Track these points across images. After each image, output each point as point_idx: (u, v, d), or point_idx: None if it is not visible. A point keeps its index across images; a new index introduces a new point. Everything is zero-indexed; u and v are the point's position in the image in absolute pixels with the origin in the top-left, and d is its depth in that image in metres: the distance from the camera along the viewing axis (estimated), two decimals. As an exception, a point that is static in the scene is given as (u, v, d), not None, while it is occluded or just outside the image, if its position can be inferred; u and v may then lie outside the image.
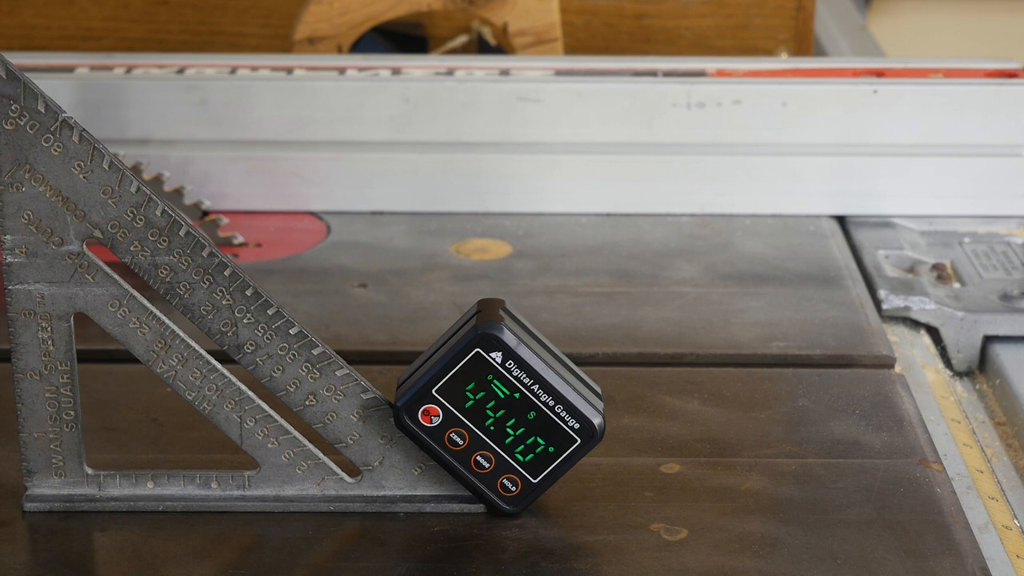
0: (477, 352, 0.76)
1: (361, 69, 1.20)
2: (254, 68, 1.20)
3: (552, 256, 1.12)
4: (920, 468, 0.84)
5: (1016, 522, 0.84)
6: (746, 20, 1.47)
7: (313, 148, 1.19)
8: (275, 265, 1.11)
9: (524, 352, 0.76)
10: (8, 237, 0.75)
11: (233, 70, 1.19)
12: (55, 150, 0.74)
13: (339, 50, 1.34)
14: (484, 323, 0.76)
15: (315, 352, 0.77)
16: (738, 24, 1.47)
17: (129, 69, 1.20)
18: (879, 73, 1.20)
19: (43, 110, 0.73)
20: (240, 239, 1.14)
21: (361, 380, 0.78)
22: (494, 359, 0.76)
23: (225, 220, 1.15)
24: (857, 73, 1.20)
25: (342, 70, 1.20)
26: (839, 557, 0.76)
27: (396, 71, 1.20)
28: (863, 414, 0.90)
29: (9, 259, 0.76)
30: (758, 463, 0.84)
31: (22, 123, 0.73)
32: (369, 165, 1.19)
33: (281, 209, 1.19)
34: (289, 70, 1.20)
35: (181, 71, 1.19)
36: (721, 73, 1.20)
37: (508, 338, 0.76)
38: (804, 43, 1.47)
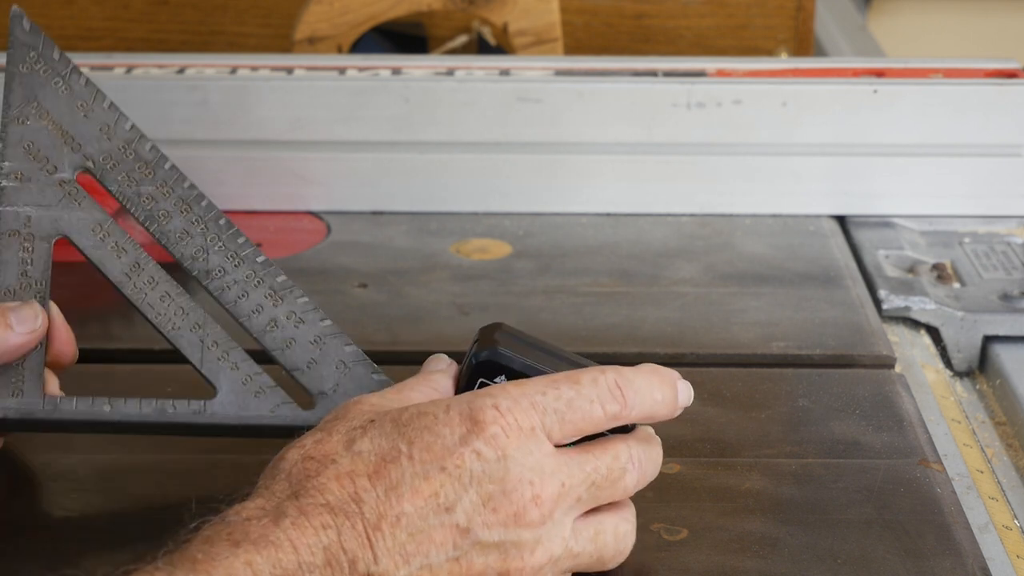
0: (482, 382, 0.74)
1: (361, 69, 1.20)
2: (254, 68, 1.20)
3: (552, 256, 1.12)
4: (920, 468, 0.84)
5: (1016, 522, 0.84)
6: (746, 20, 1.47)
7: (313, 148, 1.19)
8: (275, 265, 1.11)
9: (527, 369, 0.74)
10: (6, 164, 0.80)
11: (233, 70, 1.19)
12: (62, 90, 0.80)
13: (339, 50, 1.34)
14: (480, 351, 0.74)
15: (279, 280, 0.80)
16: (738, 24, 1.47)
17: (129, 69, 1.20)
18: (879, 73, 1.20)
19: (57, 58, 0.80)
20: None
21: (320, 309, 0.80)
22: (499, 383, 0.74)
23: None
24: (857, 73, 1.20)
25: (342, 70, 1.20)
26: (839, 557, 0.76)
27: (396, 71, 1.20)
28: (863, 414, 0.90)
29: (3, 183, 0.80)
30: (758, 463, 0.84)
31: (37, 67, 0.80)
32: (369, 165, 1.19)
33: (281, 209, 1.19)
34: (289, 70, 1.20)
35: (181, 71, 1.19)
36: (721, 73, 1.20)
37: (504, 360, 0.74)
38: (804, 43, 1.47)
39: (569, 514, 0.69)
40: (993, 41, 2.33)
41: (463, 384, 0.75)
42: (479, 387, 0.74)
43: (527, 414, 0.69)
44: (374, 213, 1.20)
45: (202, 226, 0.81)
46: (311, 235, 1.16)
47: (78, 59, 1.23)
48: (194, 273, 0.80)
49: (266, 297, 0.80)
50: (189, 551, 0.64)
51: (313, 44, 1.34)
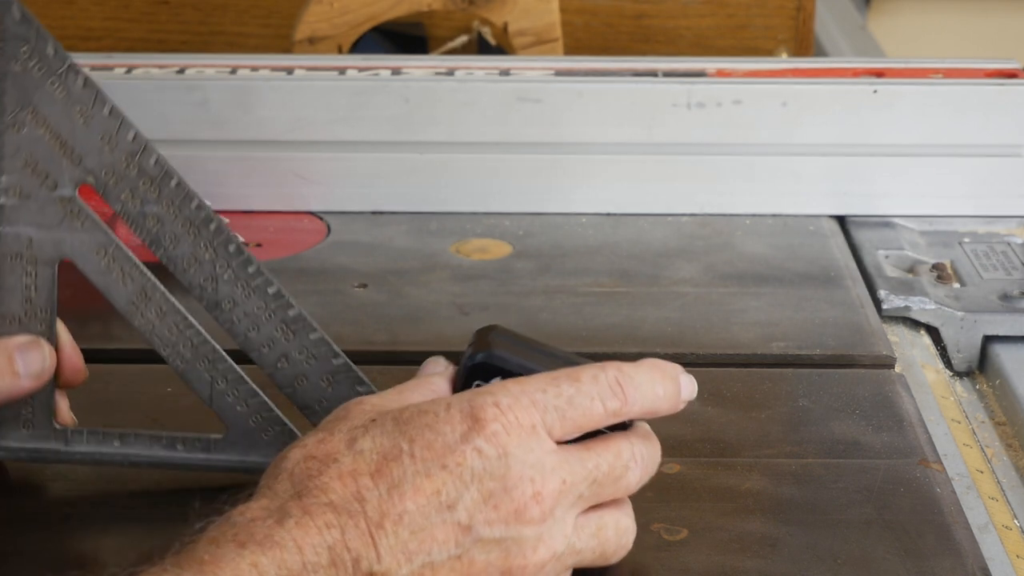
0: (477, 384, 0.74)
1: (361, 69, 1.20)
2: (254, 68, 1.20)
3: (552, 256, 1.12)
4: (920, 468, 0.84)
5: (1016, 522, 0.84)
6: (746, 20, 1.47)
7: (313, 148, 1.19)
8: (275, 265, 1.11)
9: (523, 368, 0.73)
10: (4, 178, 0.76)
11: (233, 70, 1.19)
12: (59, 93, 0.75)
13: (339, 50, 1.34)
14: (475, 354, 0.74)
15: (291, 314, 0.77)
16: (738, 24, 1.47)
17: (129, 69, 1.20)
18: (879, 73, 1.20)
19: (52, 53, 0.74)
20: (240, 239, 1.14)
21: (332, 345, 0.78)
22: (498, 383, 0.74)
23: (225, 220, 1.15)
24: (857, 73, 1.20)
25: (342, 70, 1.20)
26: (839, 557, 0.76)
27: (396, 71, 1.20)
28: (863, 414, 0.90)
29: (2, 200, 0.76)
30: (758, 463, 0.84)
31: (31, 65, 0.74)
32: (369, 165, 1.19)
33: (281, 209, 1.19)
34: (289, 70, 1.20)
35: (181, 71, 1.19)
36: (721, 73, 1.20)
37: (499, 361, 0.74)
38: (804, 43, 1.47)
39: (571, 511, 0.70)
40: (993, 41, 2.33)
41: (459, 386, 0.74)
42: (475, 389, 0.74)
43: (528, 411, 0.69)
44: (374, 213, 1.20)
45: (211, 252, 0.77)
46: (311, 235, 1.16)
47: (78, 59, 1.24)
48: (203, 303, 0.77)
49: (277, 331, 0.77)
50: (196, 552, 0.64)
51: (313, 44, 1.34)
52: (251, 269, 0.77)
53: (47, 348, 0.78)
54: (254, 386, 0.78)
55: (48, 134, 0.75)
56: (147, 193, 0.76)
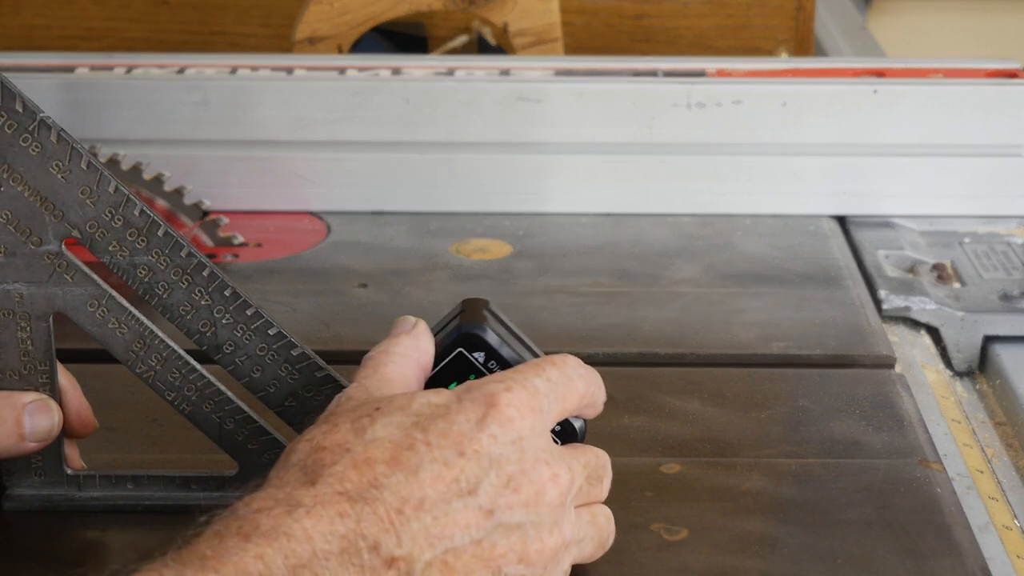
0: (460, 352, 0.75)
1: (361, 69, 1.20)
2: (254, 68, 1.20)
3: (552, 256, 1.12)
4: (920, 468, 0.84)
5: (1016, 522, 0.84)
6: (746, 20, 1.47)
7: (313, 148, 1.19)
8: (275, 265, 1.11)
9: (507, 352, 0.75)
10: None
11: (233, 70, 1.19)
12: (33, 150, 0.73)
13: (339, 50, 1.34)
14: (467, 323, 0.75)
15: (294, 353, 0.77)
16: (738, 24, 1.47)
17: (129, 69, 1.20)
18: (879, 73, 1.20)
19: (21, 109, 0.72)
20: (240, 239, 1.14)
21: (341, 381, 0.77)
22: (476, 359, 0.75)
23: (225, 220, 1.15)
24: (857, 73, 1.20)
25: (342, 70, 1.20)
26: (839, 557, 0.76)
27: (396, 71, 1.20)
28: (863, 414, 0.90)
29: None
30: (758, 463, 0.84)
31: (0, 123, 0.72)
32: (369, 165, 1.19)
33: (281, 209, 1.19)
34: (289, 70, 1.20)
35: (181, 71, 1.19)
36: (721, 73, 1.20)
37: (491, 338, 0.75)
38: (804, 43, 1.47)
39: (574, 502, 0.70)
40: (993, 41, 2.33)
41: (441, 348, 0.75)
42: (455, 356, 0.75)
43: (535, 396, 0.70)
44: (374, 213, 1.20)
45: (207, 299, 0.75)
46: (311, 235, 1.16)
47: (78, 59, 1.24)
48: (203, 348, 0.76)
49: (282, 371, 0.77)
50: (198, 547, 0.63)
51: (313, 44, 1.34)
52: (249, 312, 0.76)
53: (56, 411, 0.77)
54: (264, 423, 0.78)
55: (27, 190, 0.73)
56: (135, 244, 0.75)
